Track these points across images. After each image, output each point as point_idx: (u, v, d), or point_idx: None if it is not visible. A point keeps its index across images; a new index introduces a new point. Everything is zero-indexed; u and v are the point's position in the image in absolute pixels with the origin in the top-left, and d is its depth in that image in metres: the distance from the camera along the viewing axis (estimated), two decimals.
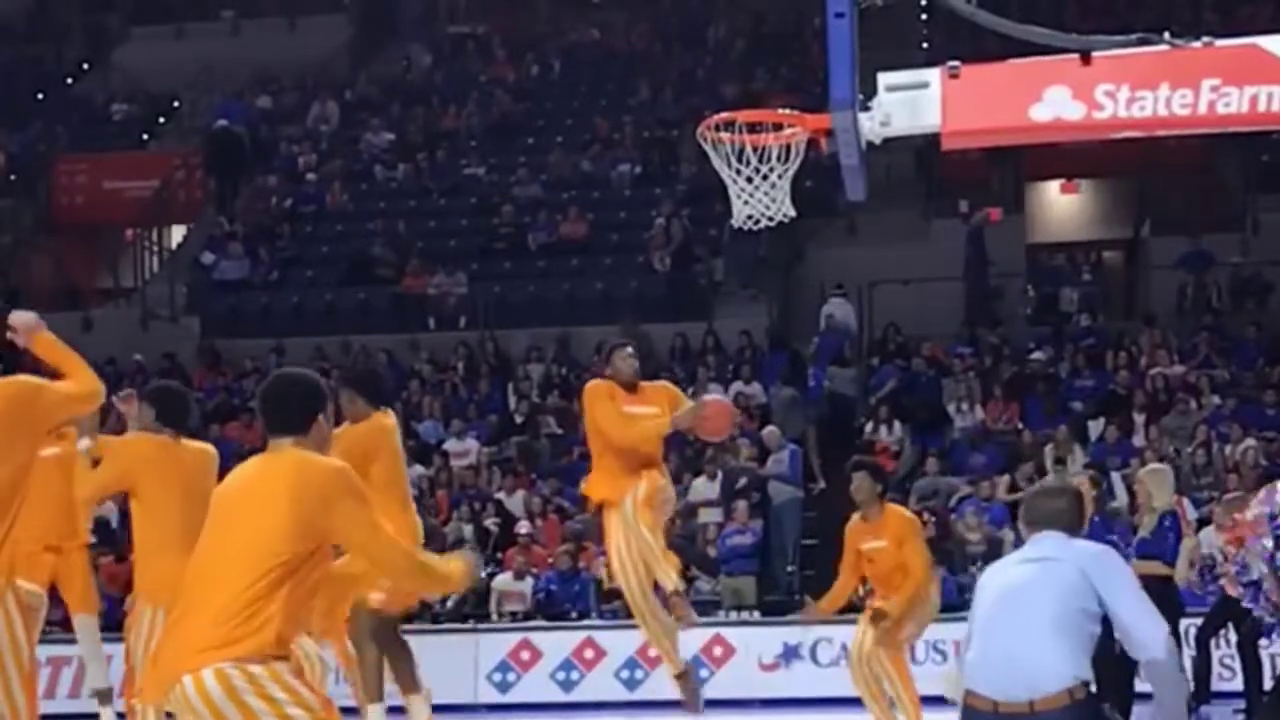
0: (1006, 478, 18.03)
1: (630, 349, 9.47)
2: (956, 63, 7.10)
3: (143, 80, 27.15)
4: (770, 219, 7.60)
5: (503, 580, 16.96)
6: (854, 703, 14.97)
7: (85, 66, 28.39)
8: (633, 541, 9.23)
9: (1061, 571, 5.49)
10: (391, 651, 8.79)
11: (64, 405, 6.62)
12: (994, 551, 17.01)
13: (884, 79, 7.12)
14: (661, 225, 22.13)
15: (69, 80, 28.17)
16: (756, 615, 16.72)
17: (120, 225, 25.43)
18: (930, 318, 20.92)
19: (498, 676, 15.88)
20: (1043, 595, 5.44)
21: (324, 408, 5.39)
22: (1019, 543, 18.75)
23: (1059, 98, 6.99)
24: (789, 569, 17.64)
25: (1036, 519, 5.75)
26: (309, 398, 5.35)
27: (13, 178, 25.84)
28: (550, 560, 17.22)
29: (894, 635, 10.16)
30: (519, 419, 20.28)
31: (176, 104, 27.16)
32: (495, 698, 16.00)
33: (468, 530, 17.96)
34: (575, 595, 16.99)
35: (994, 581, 5.72)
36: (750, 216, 7.64)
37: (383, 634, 8.75)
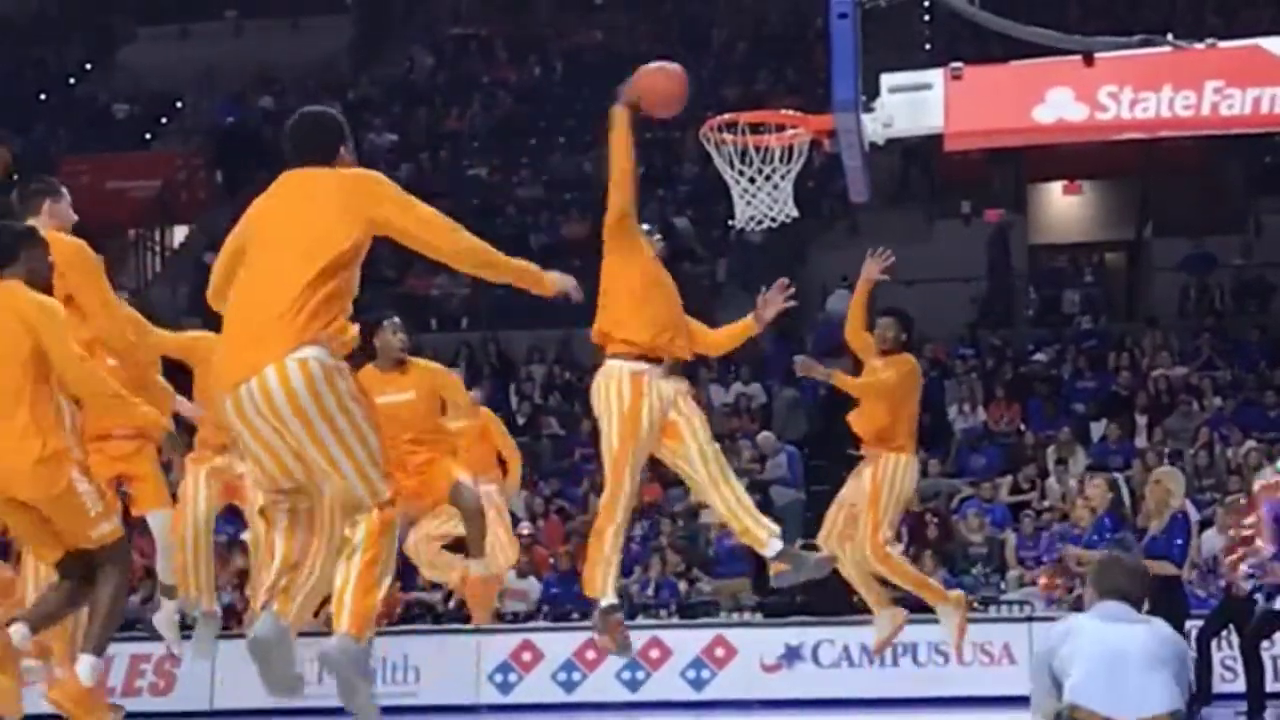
0: (1008, 479, 18.04)
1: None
2: (959, 64, 7.11)
3: (145, 80, 27.17)
4: (773, 220, 7.62)
5: (510, 578, 16.97)
6: (856, 704, 15.03)
7: (88, 67, 28.41)
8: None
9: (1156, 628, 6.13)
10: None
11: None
12: (995, 553, 17.03)
13: (887, 80, 7.13)
14: (665, 226, 22.14)
15: (72, 81, 28.18)
16: (759, 617, 16.71)
17: (123, 225, 25.44)
18: (932, 319, 20.92)
19: (499, 677, 15.87)
20: (1145, 637, 6.05)
21: (347, 139, 6.07)
22: (1021, 543, 18.57)
23: (1062, 99, 6.99)
24: None
25: (1108, 589, 6.19)
26: (335, 130, 6.03)
27: (15, 177, 25.84)
28: (552, 561, 17.23)
29: (875, 539, 9.94)
30: (521, 420, 20.28)
31: (179, 104, 27.17)
32: (497, 698, 15.99)
33: None
34: (577, 596, 16.99)
35: (1091, 626, 6.14)
36: (753, 217, 7.65)
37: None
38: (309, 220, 5.65)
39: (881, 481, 9.85)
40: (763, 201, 7.63)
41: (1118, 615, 6.07)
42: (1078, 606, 12.10)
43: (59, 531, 6.66)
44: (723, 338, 8.73)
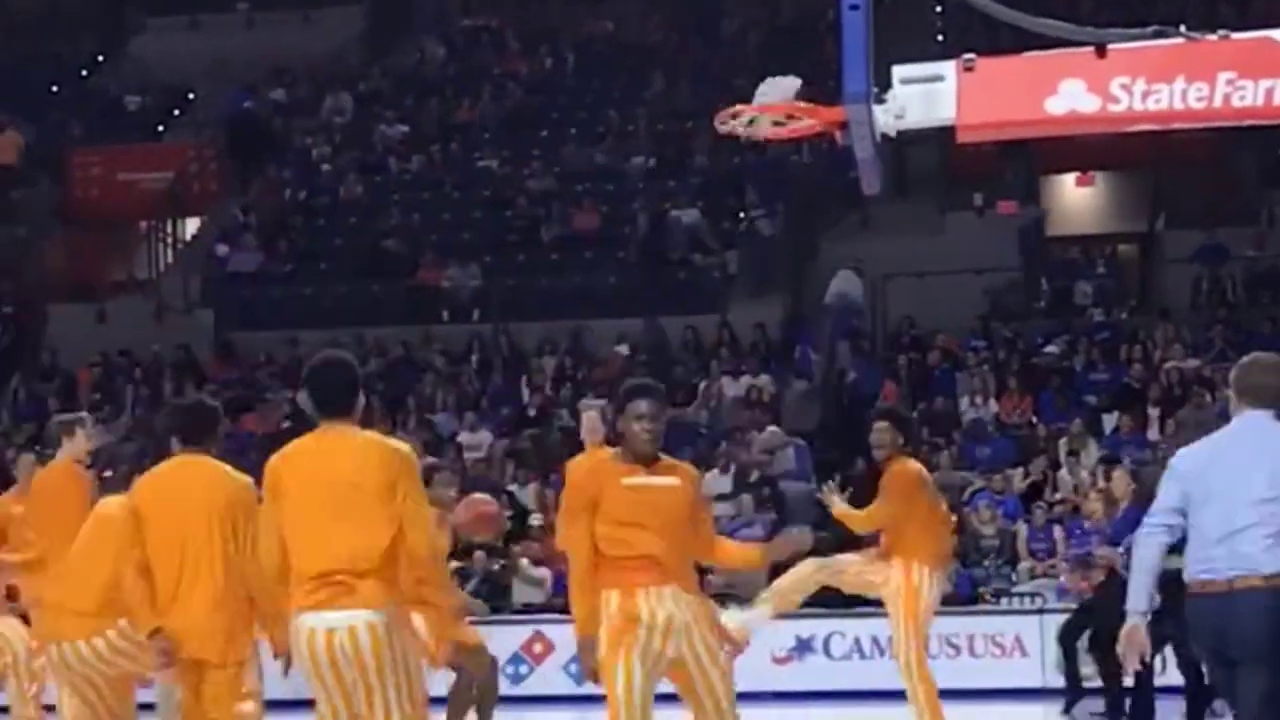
0: (1020, 471, 18.01)
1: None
2: (971, 55, 7.08)
3: (157, 72, 27.18)
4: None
5: (523, 564, 17.01)
6: (867, 696, 15.01)
7: (100, 59, 28.42)
8: None
9: None
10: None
11: None
12: (1007, 545, 17.01)
13: (898, 71, 7.11)
14: (676, 218, 22.13)
15: (84, 72, 28.19)
16: None
17: (134, 217, 25.47)
18: (944, 311, 20.90)
19: (510, 669, 15.87)
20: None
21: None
22: (1033, 535, 18.58)
23: (1074, 91, 6.97)
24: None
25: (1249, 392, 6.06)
26: (356, 382, 6.20)
27: (28, 170, 25.87)
28: (562, 553, 17.23)
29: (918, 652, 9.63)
30: (532, 412, 20.29)
31: (191, 96, 27.18)
32: (508, 689, 15.99)
33: None
34: None
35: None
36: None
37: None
38: (363, 492, 6.05)
39: (916, 588, 9.59)
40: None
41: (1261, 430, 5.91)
42: (1097, 599, 12.07)
43: None
44: (729, 552, 7.54)
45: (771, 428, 18.61)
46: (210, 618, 6.94)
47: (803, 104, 7.66)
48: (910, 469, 9.64)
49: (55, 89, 27.49)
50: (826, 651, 15.77)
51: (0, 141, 25.67)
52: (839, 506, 9.79)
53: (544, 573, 16.99)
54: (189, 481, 7.10)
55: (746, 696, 15.74)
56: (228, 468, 7.26)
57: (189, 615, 6.92)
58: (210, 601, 6.94)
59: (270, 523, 6.18)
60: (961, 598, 16.15)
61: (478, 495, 9.80)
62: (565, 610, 17.35)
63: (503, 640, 16.01)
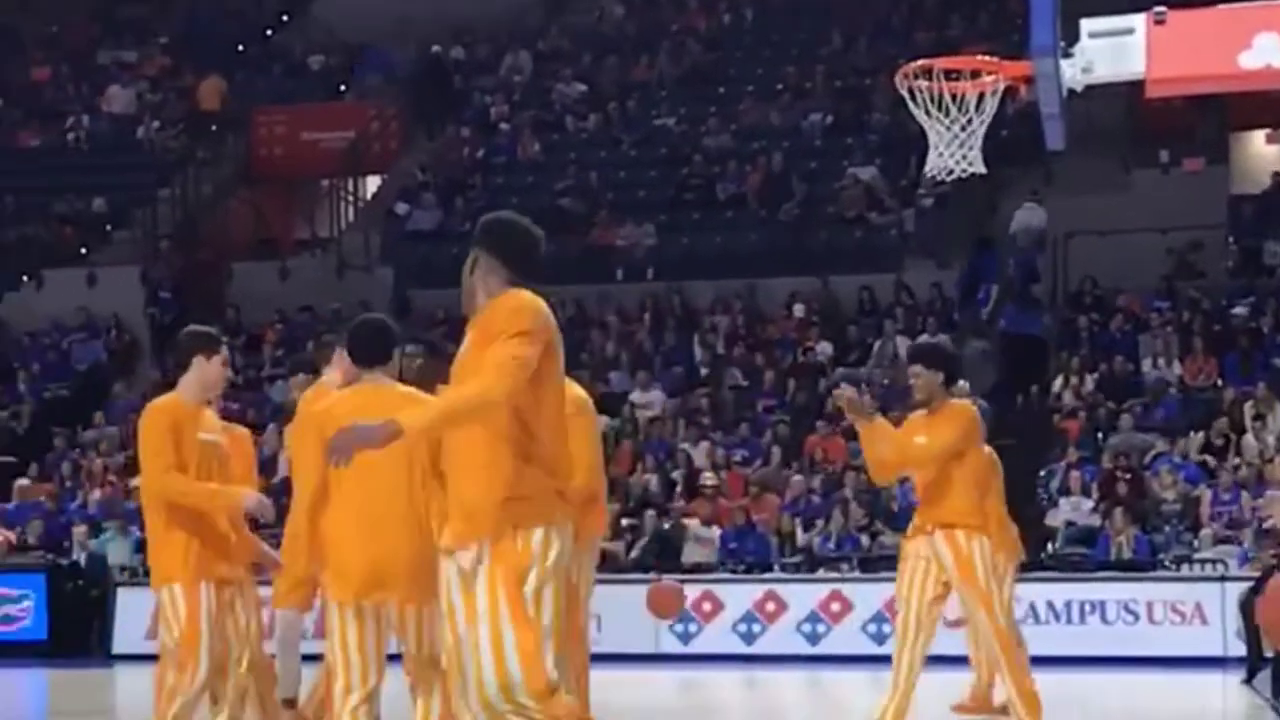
0: (1203, 435, 17.61)
1: None
2: (1163, 8, 6.91)
3: (339, 31, 27.54)
4: (963, 171, 7.50)
5: (693, 525, 17.03)
6: (1041, 662, 14.77)
7: (285, 18, 28.88)
8: None
9: None
10: None
11: None
12: (1189, 510, 16.65)
13: (1087, 25, 6.96)
14: (852, 175, 21.94)
15: (269, 32, 28.68)
16: None
17: (316, 175, 25.88)
18: (1127, 271, 20.47)
19: (679, 627, 15.94)
20: None
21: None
22: (1216, 500, 18.16)
23: (1269, 44, 6.76)
24: None
25: None
26: (390, 337, 6.35)
27: (214, 128, 26.43)
28: (733, 512, 17.24)
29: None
30: (704, 371, 20.28)
31: (372, 55, 27.48)
32: (677, 648, 16.07)
33: (653, 481, 18.04)
34: (756, 547, 16.99)
35: None
36: (945, 168, 7.53)
37: None
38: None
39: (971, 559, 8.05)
40: (955, 152, 7.50)
41: None
42: None
43: None
44: None
45: (962, 382, 18.36)
46: None
47: (988, 58, 7.52)
48: (968, 410, 8.43)
49: (241, 49, 27.99)
50: None
51: (204, 88, 26.25)
52: (876, 422, 8.14)
53: (713, 532, 17.00)
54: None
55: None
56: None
57: None
58: None
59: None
60: (1141, 564, 15.86)
61: (666, 582, 9.18)
62: (733, 570, 17.35)
63: None
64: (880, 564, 16.65)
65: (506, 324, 5.25)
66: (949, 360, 8.61)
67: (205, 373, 7.09)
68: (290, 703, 8.12)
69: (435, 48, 26.00)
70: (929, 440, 8.22)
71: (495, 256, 5.44)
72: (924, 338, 19.84)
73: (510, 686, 5.09)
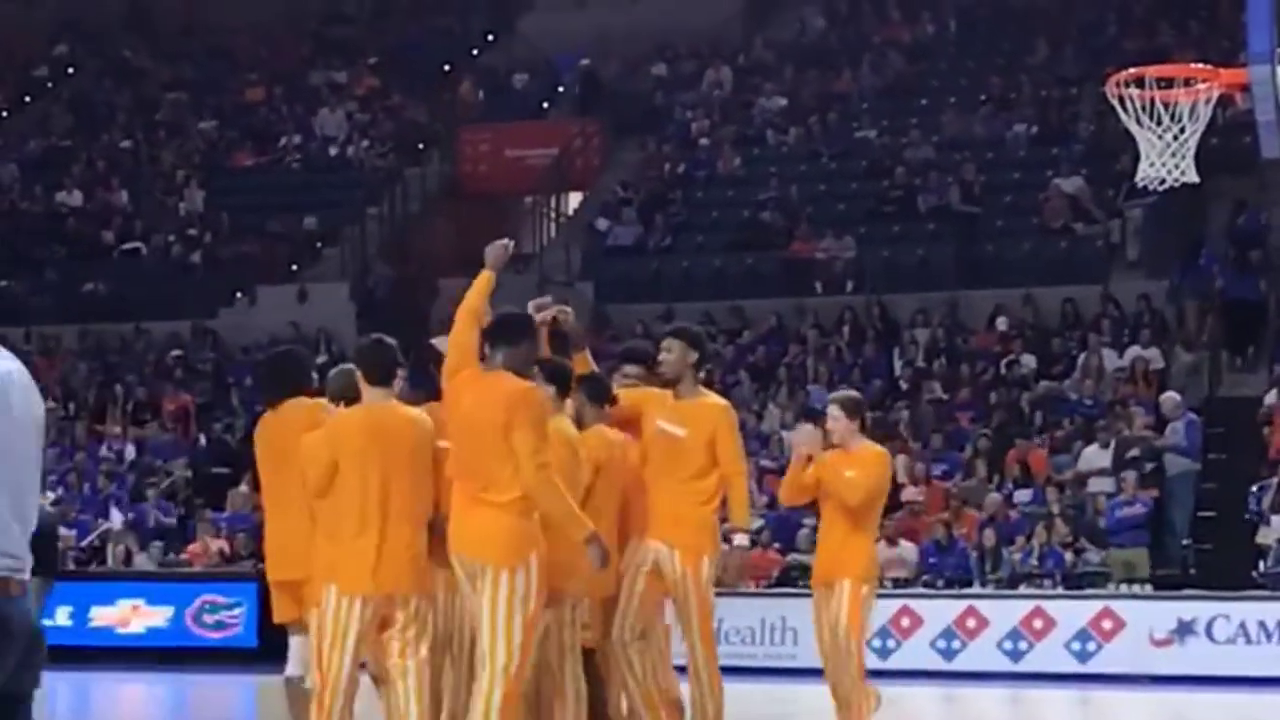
0: None
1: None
2: None
3: (543, 49, 27.86)
4: (1175, 180, 7.35)
5: (883, 548, 16.84)
6: (1253, 682, 14.37)
7: (490, 37, 29.30)
8: None
9: None
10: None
11: None
12: None
13: None
14: (1057, 186, 21.55)
15: (474, 51, 29.12)
16: (1149, 589, 16.15)
17: (520, 193, 26.19)
18: None
19: (877, 642, 15.75)
20: None
21: None
22: None
23: None
24: (1183, 543, 16.98)
25: None
26: (394, 359, 7.23)
27: (421, 146, 26.90)
28: (931, 527, 17.02)
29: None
30: (903, 384, 20.07)
31: (576, 73, 27.72)
32: (874, 664, 15.86)
33: None
34: (955, 563, 16.75)
35: None
36: (1157, 177, 7.40)
37: None
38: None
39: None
40: (1167, 161, 7.34)
41: None
42: None
43: None
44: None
45: (1169, 393, 17.94)
46: None
47: (1202, 66, 7.35)
48: (718, 402, 8.10)
49: (448, 67, 28.46)
50: (1209, 635, 15.17)
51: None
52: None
53: (909, 547, 16.80)
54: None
55: (1122, 679, 15.32)
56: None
57: None
58: None
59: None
60: None
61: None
62: (932, 585, 17.14)
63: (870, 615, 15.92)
64: (1084, 581, 16.32)
65: None
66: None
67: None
68: None
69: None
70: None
71: None
72: (1134, 349, 19.38)
73: None
